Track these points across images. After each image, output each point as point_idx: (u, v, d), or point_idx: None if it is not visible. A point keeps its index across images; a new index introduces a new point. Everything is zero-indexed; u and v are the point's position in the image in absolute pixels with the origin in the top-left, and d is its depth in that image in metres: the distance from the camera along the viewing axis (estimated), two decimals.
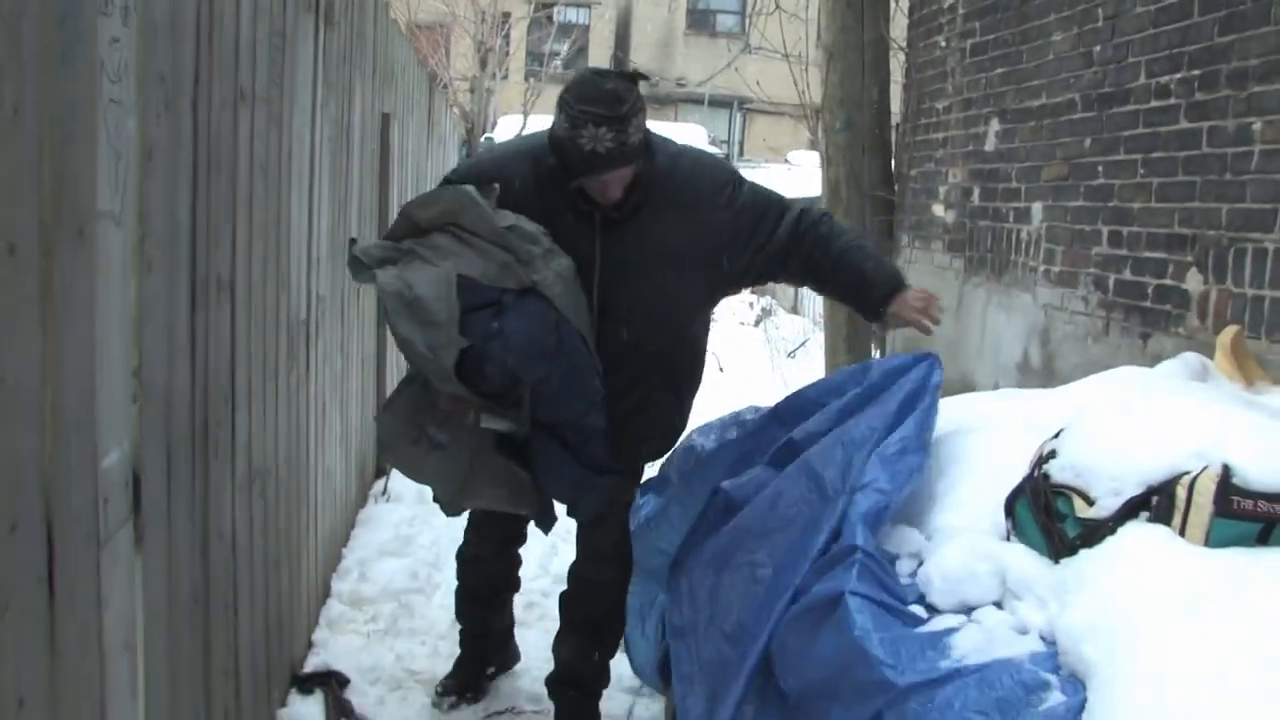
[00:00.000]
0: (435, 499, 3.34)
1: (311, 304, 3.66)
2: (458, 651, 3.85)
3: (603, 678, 3.56)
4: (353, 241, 3.12)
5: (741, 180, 3.27)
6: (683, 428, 3.41)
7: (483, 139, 19.47)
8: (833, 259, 3.22)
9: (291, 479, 3.42)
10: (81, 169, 1.57)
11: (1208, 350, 3.44)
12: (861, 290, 3.27)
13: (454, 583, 4.48)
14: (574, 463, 3.13)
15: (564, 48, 25.62)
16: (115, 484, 1.76)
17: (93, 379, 1.64)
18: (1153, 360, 3.65)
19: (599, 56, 29.85)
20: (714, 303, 3.40)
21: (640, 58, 29.06)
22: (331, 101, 3.90)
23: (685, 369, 3.37)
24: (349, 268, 3.11)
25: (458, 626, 3.85)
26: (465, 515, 3.60)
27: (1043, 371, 4.83)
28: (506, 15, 21.45)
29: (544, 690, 3.63)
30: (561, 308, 2.96)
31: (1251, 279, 3.58)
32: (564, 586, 3.69)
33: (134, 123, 1.78)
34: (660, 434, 3.37)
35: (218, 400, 2.45)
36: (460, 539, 3.66)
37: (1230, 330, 3.46)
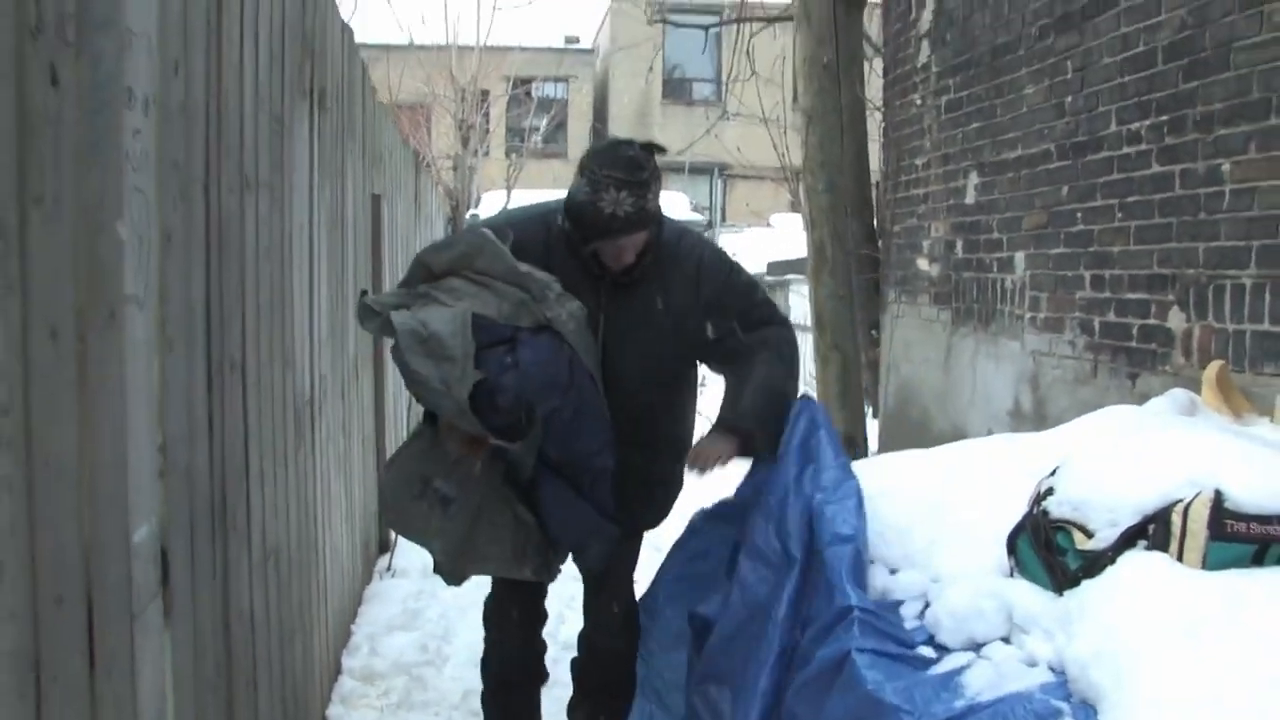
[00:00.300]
0: (436, 569, 3.34)
1: (315, 383, 3.73)
2: None
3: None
4: (364, 293, 3.19)
5: (740, 269, 3.42)
6: (677, 494, 3.50)
7: (468, 215, 19.67)
8: (736, 372, 3.29)
9: (301, 556, 3.46)
10: (110, 255, 1.64)
11: (1195, 386, 3.52)
12: (726, 400, 3.32)
13: (465, 653, 4.52)
14: (584, 504, 3.17)
15: (543, 123, 25.96)
16: (146, 558, 1.82)
17: (125, 456, 1.70)
18: (1141, 399, 3.73)
19: (578, 130, 30.24)
20: (697, 371, 3.48)
21: (619, 130, 29.41)
22: (326, 185, 3.99)
23: (680, 432, 3.45)
24: (358, 315, 3.16)
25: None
26: (480, 619, 3.59)
27: (1034, 416, 4.90)
28: (485, 93, 21.75)
29: None
30: (574, 345, 3.04)
31: (1231, 314, 3.67)
32: (572, 653, 3.72)
33: (155, 210, 1.86)
34: (663, 496, 3.45)
35: (234, 478, 2.51)
36: (469, 610, 3.66)
37: (1215, 365, 3.55)
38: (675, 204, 23.94)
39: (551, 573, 3.32)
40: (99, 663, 1.58)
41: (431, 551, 3.30)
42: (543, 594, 3.53)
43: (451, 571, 3.29)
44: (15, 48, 1.30)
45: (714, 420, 3.30)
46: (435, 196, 13.33)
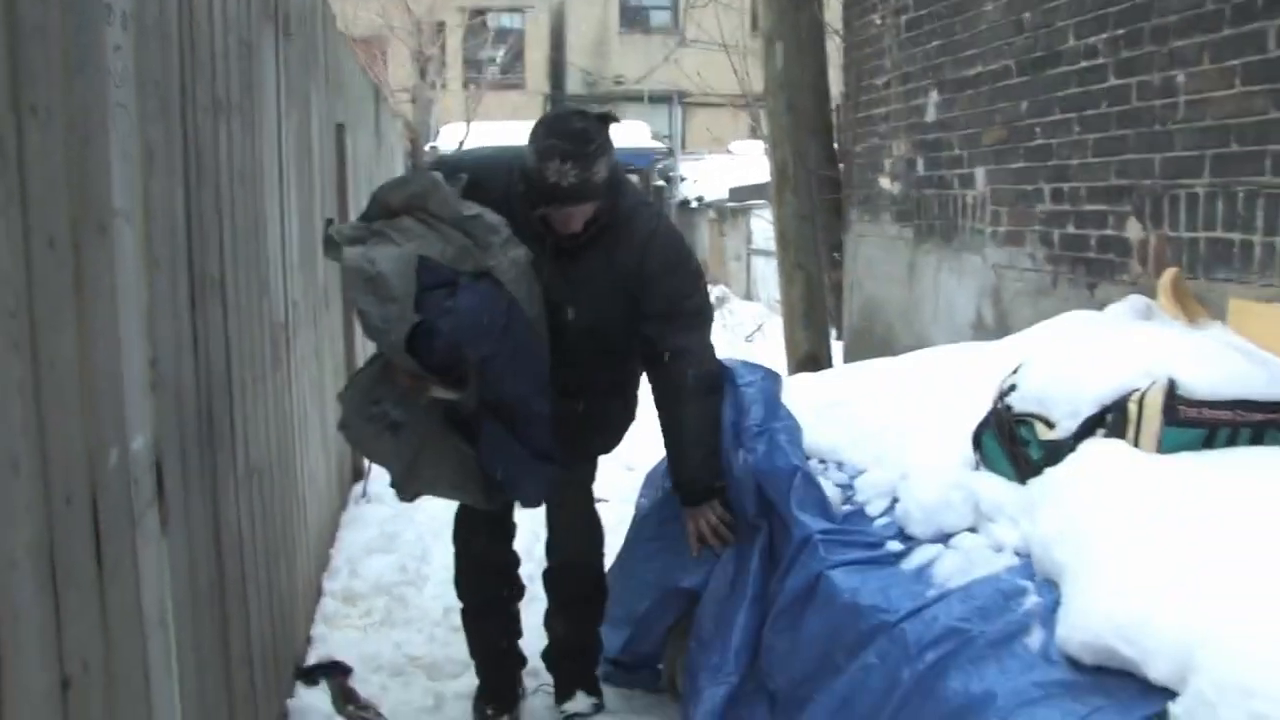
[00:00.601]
0: (392, 484, 3.41)
1: (289, 309, 3.76)
2: (454, 637, 3.97)
3: (597, 645, 3.69)
4: (329, 222, 3.23)
5: (690, 258, 3.41)
6: (630, 421, 3.59)
7: (427, 148, 19.53)
8: (666, 410, 3.30)
9: (282, 476, 3.52)
10: (98, 169, 1.68)
11: (1152, 294, 3.61)
12: (670, 467, 3.35)
13: (443, 573, 4.60)
14: (517, 445, 3.22)
15: (500, 53, 25.71)
16: (143, 467, 1.87)
17: (119, 366, 1.75)
18: (1100, 308, 3.82)
19: (535, 60, 29.95)
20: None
21: (576, 58, 29.19)
22: (294, 112, 3.99)
23: (624, 379, 3.52)
24: (323, 245, 3.21)
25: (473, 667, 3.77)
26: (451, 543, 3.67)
27: (997, 329, 5.00)
28: (441, 24, 21.52)
29: (540, 665, 3.76)
30: (514, 292, 3.08)
31: (1186, 223, 3.77)
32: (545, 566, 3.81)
33: (136, 127, 1.89)
34: (610, 431, 3.55)
35: (219, 394, 2.56)
36: (443, 531, 3.72)
37: (1170, 272, 3.64)
38: (635, 132, 23.83)
39: (494, 500, 3.37)
40: (106, 563, 1.63)
41: (386, 468, 3.39)
42: (509, 509, 3.59)
43: (402, 489, 3.36)
44: None
45: (674, 486, 3.33)
46: (395, 128, 13.23)
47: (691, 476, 3.22)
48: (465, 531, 3.62)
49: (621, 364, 3.45)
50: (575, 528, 3.60)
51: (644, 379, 3.55)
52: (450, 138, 20.91)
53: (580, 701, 3.62)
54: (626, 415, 3.57)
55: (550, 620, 3.74)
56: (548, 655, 3.74)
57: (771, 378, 3.30)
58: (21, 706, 1.31)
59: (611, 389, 3.47)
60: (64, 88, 1.52)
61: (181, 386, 2.20)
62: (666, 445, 3.35)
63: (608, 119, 3.17)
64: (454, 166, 3.30)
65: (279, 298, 3.53)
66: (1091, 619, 1.68)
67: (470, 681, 3.70)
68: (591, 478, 3.66)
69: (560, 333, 3.23)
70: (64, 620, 1.45)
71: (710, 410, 3.25)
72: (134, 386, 1.83)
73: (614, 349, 3.37)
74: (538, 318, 3.16)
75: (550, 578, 3.73)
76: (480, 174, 3.23)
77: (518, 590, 3.77)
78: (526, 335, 3.12)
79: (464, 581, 3.67)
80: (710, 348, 3.33)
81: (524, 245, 3.13)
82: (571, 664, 3.68)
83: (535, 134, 3.08)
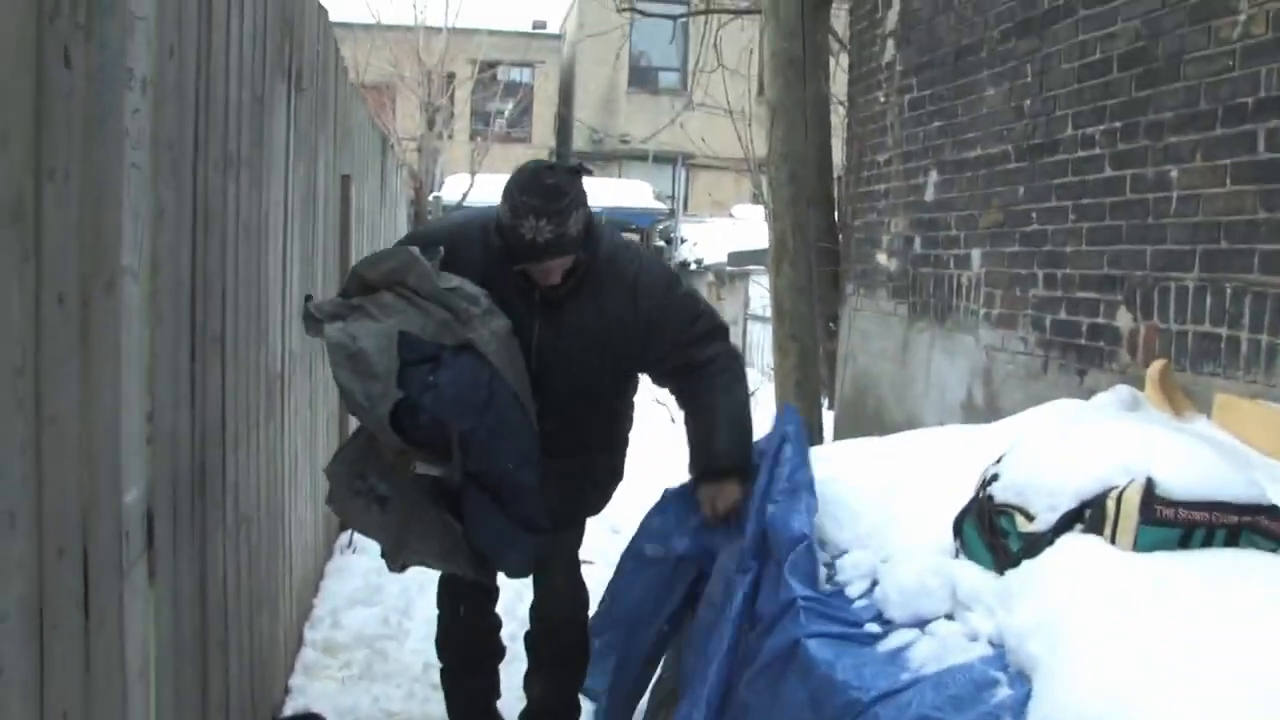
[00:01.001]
0: (382, 554, 3.42)
1: (285, 359, 3.80)
2: (433, 693, 3.97)
3: (575, 708, 3.69)
4: (308, 298, 3.25)
5: (678, 282, 3.46)
6: (619, 480, 3.62)
7: (431, 197, 19.67)
8: (696, 402, 3.37)
9: (270, 525, 3.54)
10: (110, 228, 1.72)
11: (1140, 384, 3.67)
12: (695, 449, 3.38)
13: (425, 628, 4.61)
14: (502, 518, 3.23)
15: (508, 107, 25.96)
16: (135, 519, 1.90)
17: (118, 420, 1.78)
18: (1089, 395, 3.88)
19: (543, 115, 30.24)
20: (635, 379, 3.54)
21: (584, 116, 29.46)
22: (301, 165, 4.06)
23: (616, 429, 3.56)
24: (304, 322, 3.24)
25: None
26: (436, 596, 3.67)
27: (986, 410, 5.05)
28: (451, 75, 21.76)
29: None
30: (496, 364, 3.11)
31: (1175, 315, 3.82)
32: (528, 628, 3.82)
33: (149, 186, 1.94)
34: (600, 490, 3.59)
35: (213, 447, 2.59)
36: (428, 586, 3.72)
37: (1158, 364, 3.70)
38: (638, 192, 24.06)
39: (482, 570, 3.38)
40: (93, 615, 1.66)
41: (375, 540, 3.41)
42: (493, 571, 3.60)
43: (391, 560, 3.38)
44: (35, 31, 1.38)
45: (695, 466, 3.37)
46: (400, 178, 13.35)
47: (725, 450, 3.28)
48: (449, 595, 3.63)
49: (613, 418, 3.49)
50: (561, 593, 3.61)
51: (631, 437, 3.59)
52: (455, 188, 21.09)
53: None
54: (616, 473, 3.59)
55: (530, 681, 3.75)
56: (526, 717, 3.74)
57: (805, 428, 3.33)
58: None
59: (603, 445, 3.50)
60: (83, 150, 1.57)
61: (177, 438, 2.24)
62: (696, 431, 3.38)
63: (579, 172, 3.22)
64: (426, 238, 3.33)
65: (276, 348, 3.57)
66: (1062, 714, 1.71)
67: None
68: (579, 542, 3.68)
69: (552, 389, 3.25)
70: (48, 672, 1.47)
71: (741, 398, 3.36)
72: (131, 440, 1.86)
73: (606, 401, 3.41)
74: (522, 388, 3.18)
75: (532, 640, 3.74)
76: (455, 240, 3.28)
77: (499, 652, 3.78)
78: (510, 407, 3.14)
79: (446, 642, 3.69)
80: (733, 349, 3.43)
81: (504, 316, 3.16)
82: None
83: (508, 192, 3.11)
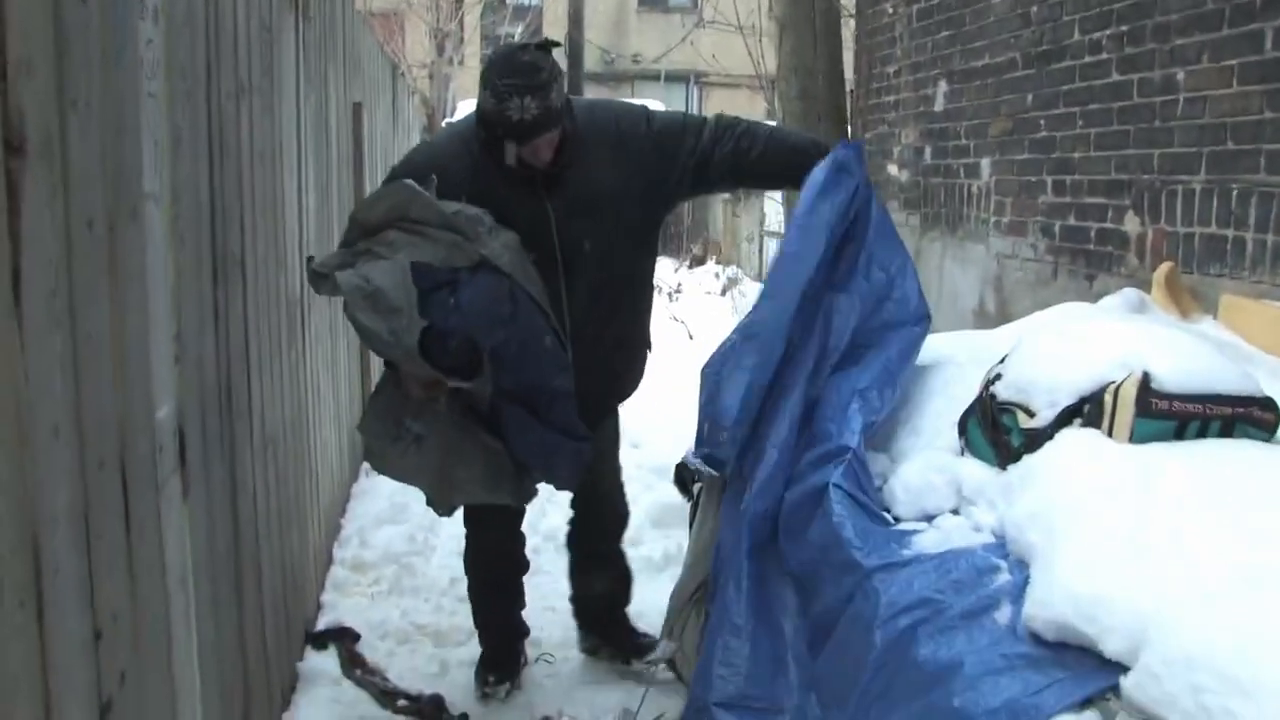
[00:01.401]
0: (429, 503, 3.48)
1: (305, 285, 3.87)
2: (460, 606, 4.10)
3: (630, 591, 3.90)
4: (309, 259, 3.28)
5: (652, 113, 3.50)
6: (650, 350, 3.69)
7: (444, 123, 19.57)
8: (760, 144, 3.38)
9: (296, 447, 3.64)
10: (132, 155, 1.79)
11: (1148, 287, 3.70)
12: (792, 162, 3.30)
13: (451, 544, 4.72)
14: (543, 427, 3.29)
15: (518, 30, 25.72)
16: (167, 435, 1.99)
17: (147, 340, 1.86)
18: (1098, 299, 3.90)
19: (554, 37, 29.90)
20: (659, 225, 3.59)
21: (594, 37, 29.11)
22: (312, 93, 4.10)
23: (645, 295, 3.63)
24: (310, 283, 3.27)
25: (477, 634, 3.87)
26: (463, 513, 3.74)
27: (998, 317, 5.10)
28: (460, 0, 21.54)
29: (541, 635, 3.89)
30: (512, 274, 3.15)
31: (1182, 218, 3.86)
32: (553, 543, 3.93)
33: (165, 114, 2.00)
34: (637, 364, 3.67)
35: (238, 367, 2.68)
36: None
37: (1165, 266, 3.74)
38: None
39: (528, 495, 3.47)
40: (133, 525, 1.75)
41: (420, 488, 3.44)
42: (532, 493, 3.68)
43: (439, 503, 3.43)
44: None
45: (799, 173, 3.22)
46: (412, 105, 13.32)
47: (801, 148, 3.36)
48: (476, 517, 3.72)
49: (642, 283, 3.56)
50: (609, 487, 3.79)
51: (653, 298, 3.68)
52: (467, 113, 20.94)
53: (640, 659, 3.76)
54: (648, 343, 3.67)
55: (584, 581, 3.92)
56: (587, 606, 3.93)
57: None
58: (60, 654, 1.42)
59: (635, 314, 3.56)
60: (102, 81, 1.63)
61: (203, 359, 2.32)
62: (764, 177, 3.55)
63: (549, 45, 3.25)
64: (412, 169, 3.32)
65: (295, 275, 3.64)
66: (1055, 597, 1.78)
67: (474, 649, 3.82)
68: (619, 434, 3.79)
69: (582, 269, 3.31)
70: (96, 576, 1.56)
71: (777, 130, 3.59)
72: (160, 360, 1.94)
73: (633, 265, 3.47)
74: (541, 295, 3.23)
75: (583, 534, 3.89)
76: (438, 163, 3.30)
77: (524, 567, 3.89)
78: (534, 314, 3.18)
79: (474, 562, 3.79)
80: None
81: (510, 230, 3.20)
82: (611, 618, 3.89)
83: (487, 78, 3.14)
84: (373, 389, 3.53)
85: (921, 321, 3.01)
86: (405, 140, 10.88)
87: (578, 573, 3.95)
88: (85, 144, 1.55)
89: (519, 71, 3.09)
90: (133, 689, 1.74)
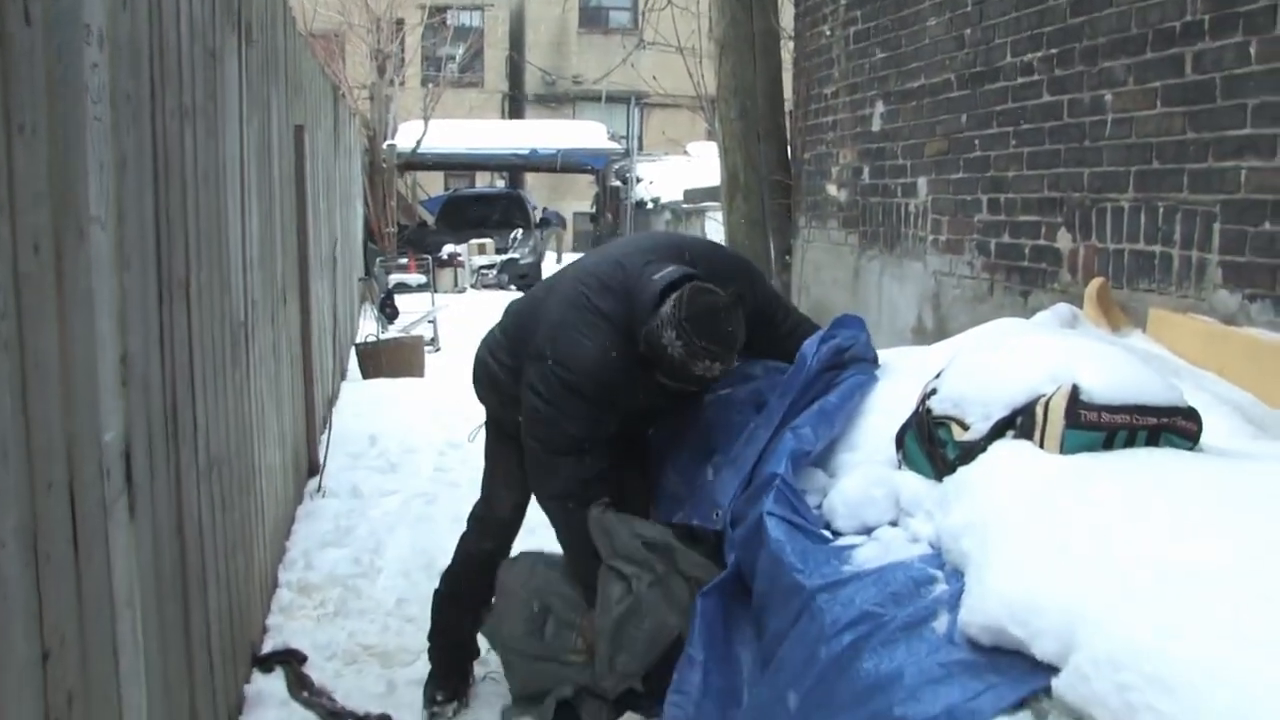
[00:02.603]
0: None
1: (248, 307, 3.87)
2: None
3: None
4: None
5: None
6: None
7: (385, 145, 19.54)
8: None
9: (241, 470, 3.63)
10: (78, 178, 1.80)
11: (1081, 303, 3.81)
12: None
13: (396, 565, 4.72)
14: None
15: (459, 51, 25.76)
16: (114, 457, 1.99)
17: (95, 363, 1.87)
18: (1033, 315, 4.01)
19: (494, 59, 29.99)
20: None
21: (535, 58, 29.26)
22: (255, 116, 4.10)
23: None
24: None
25: (430, 645, 3.87)
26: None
27: (936, 333, 5.19)
28: (401, 21, 21.52)
29: (489, 654, 3.91)
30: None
31: (1112, 234, 3.97)
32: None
33: (110, 138, 2.01)
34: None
35: (183, 389, 2.68)
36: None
37: (1096, 282, 3.84)
38: (592, 133, 23.98)
39: None
40: (81, 548, 1.76)
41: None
42: (521, 517, 3.76)
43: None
44: None
45: None
46: (353, 127, 13.29)
47: None
48: (478, 531, 3.76)
49: None
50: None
51: None
52: (408, 135, 20.95)
53: None
54: None
55: None
56: None
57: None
58: (8, 674, 1.43)
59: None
60: (48, 106, 1.64)
61: (149, 382, 2.32)
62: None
63: (741, 302, 3.16)
64: (597, 390, 3.21)
65: (239, 296, 3.64)
66: (989, 603, 1.84)
67: (421, 669, 3.82)
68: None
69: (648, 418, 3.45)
70: (45, 597, 1.57)
71: None
72: (107, 382, 1.95)
73: None
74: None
75: None
76: (609, 375, 3.19)
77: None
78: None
79: (458, 574, 3.80)
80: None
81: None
82: None
83: (681, 328, 3.00)
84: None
85: (867, 369, 3.10)
86: (348, 162, 10.87)
87: None
88: (32, 167, 1.56)
89: (722, 340, 3.04)
90: (80, 711, 1.74)
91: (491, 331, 3.66)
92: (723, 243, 7.14)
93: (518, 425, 3.36)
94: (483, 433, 3.75)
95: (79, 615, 1.75)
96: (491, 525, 3.71)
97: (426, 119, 20.95)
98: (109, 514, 1.95)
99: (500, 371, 3.50)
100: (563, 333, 3.19)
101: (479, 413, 3.79)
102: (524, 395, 3.27)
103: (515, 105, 30.64)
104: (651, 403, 3.35)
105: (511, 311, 3.63)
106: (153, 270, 2.37)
